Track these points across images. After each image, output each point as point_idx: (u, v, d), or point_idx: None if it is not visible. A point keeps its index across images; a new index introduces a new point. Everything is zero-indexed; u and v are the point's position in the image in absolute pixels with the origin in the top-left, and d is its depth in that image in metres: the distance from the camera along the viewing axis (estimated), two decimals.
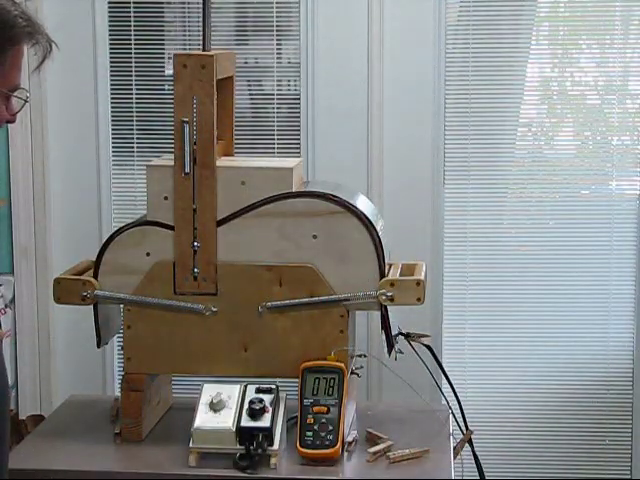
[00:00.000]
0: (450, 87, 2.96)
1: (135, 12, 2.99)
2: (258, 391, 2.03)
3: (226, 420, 1.98)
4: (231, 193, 2.08)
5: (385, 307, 2.07)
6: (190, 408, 2.05)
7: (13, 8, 1.54)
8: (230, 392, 2.03)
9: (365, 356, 2.21)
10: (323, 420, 1.99)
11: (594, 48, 3.03)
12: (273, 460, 1.97)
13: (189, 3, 3.01)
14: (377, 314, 2.11)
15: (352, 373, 2.13)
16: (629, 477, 3.09)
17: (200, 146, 2.05)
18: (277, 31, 2.98)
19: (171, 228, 2.09)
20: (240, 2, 3.02)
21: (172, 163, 2.08)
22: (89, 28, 2.96)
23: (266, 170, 2.10)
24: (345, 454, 2.03)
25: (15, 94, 1.60)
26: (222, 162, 2.11)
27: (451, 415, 2.25)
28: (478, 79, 2.96)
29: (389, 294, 2.04)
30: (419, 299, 2.05)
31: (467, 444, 2.22)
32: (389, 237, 2.15)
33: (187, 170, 2.05)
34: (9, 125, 1.64)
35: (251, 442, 1.96)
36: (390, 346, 2.10)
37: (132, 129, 3.00)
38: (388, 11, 2.89)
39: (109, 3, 2.99)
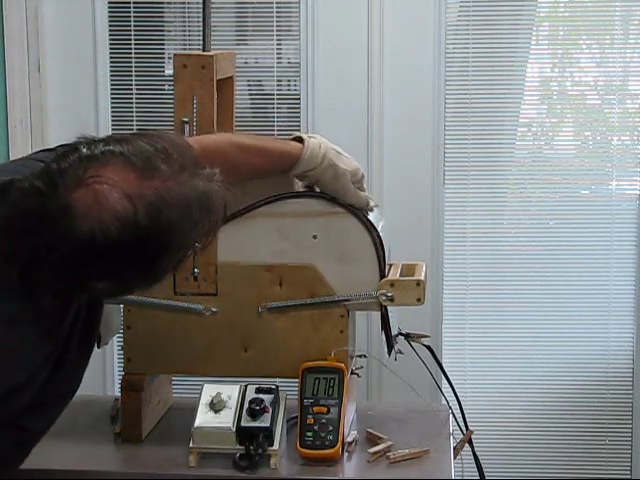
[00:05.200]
0: (450, 87, 2.96)
1: (135, 12, 2.99)
2: (258, 391, 2.03)
3: (226, 420, 1.98)
4: None
5: (385, 307, 2.07)
6: (190, 408, 2.04)
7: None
8: (230, 392, 2.03)
9: (365, 356, 2.21)
10: (323, 420, 1.99)
11: (594, 48, 3.03)
12: (273, 460, 1.97)
13: (189, 3, 3.01)
14: (377, 314, 2.11)
15: (352, 373, 2.13)
16: (629, 477, 3.09)
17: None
18: (277, 31, 2.98)
19: None
20: (240, 2, 3.02)
21: None
22: (89, 28, 2.97)
23: None
24: (345, 454, 2.03)
25: None
26: None
27: (451, 415, 2.25)
28: (478, 79, 2.96)
29: (389, 294, 2.04)
30: (419, 299, 2.05)
31: (467, 444, 2.21)
32: (389, 237, 2.15)
33: None
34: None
35: (251, 442, 1.96)
36: (390, 346, 2.10)
37: (132, 129, 3.00)
38: (388, 11, 2.89)
39: (109, 3, 2.99)
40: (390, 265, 2.13)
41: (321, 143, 1.93)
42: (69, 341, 1.52)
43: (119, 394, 2.15)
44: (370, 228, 2.06)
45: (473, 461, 2.27)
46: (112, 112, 3.00)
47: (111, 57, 3.00)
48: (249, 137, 1.93)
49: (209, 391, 2.03)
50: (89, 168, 1.38)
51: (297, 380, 2.04)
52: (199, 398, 2.03)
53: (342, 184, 1.96)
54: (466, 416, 2.27)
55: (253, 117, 3.03)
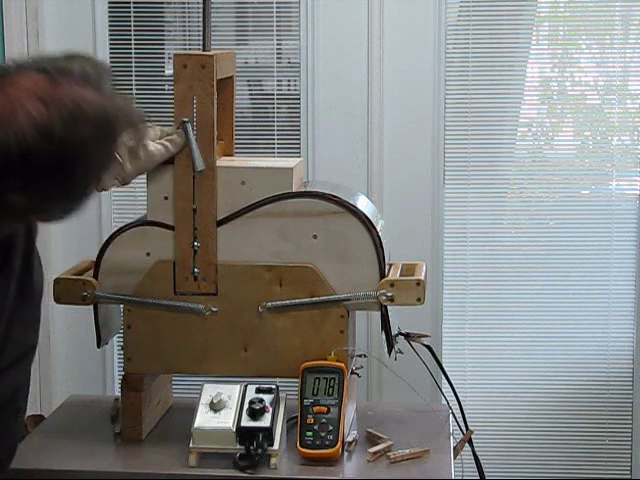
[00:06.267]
0: (450, 87, 2.96)
1: (135, 12, 2.99)
2: (258, 391, 2.03)
3: (226, 420, 1.98)
4: (231, 193, 2.07)
5: (385, 307, 2.07)
6: (190, 408, 2.04)
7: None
8: (230, 392, 2.03)
9: (365, 356, 2.21)
10: (323, 420, 1.99)
11: (594, 48, 3.03)
12: (273, 460, 1.97)
13: (189, 3, 3.01)
14: (377, 314, 2.11)
15: (352, 373, 2.13)
16: (629, 477, 3.09)
17: (200, 146, 2.05)
18: (277, 31, 2.98)
19: (171, 228, 2.09)
20: (240, 2, 3.02)
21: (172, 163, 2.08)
22: (89, 28, 2.96)
23: (266, 170, 2.10)
24: (345, 454, 2.03)
25: None
26: (222, 162, 2.11)
27: (451, 415, 2.25)
28: (478, 79, 2.96)
29: (389, 294, 2.04)
30: (419, 299, 2.05)
31: (467, 444, 2.22)
32: (389, 237, 2.15)
33: None
34: None
35: (251, 442, 1.96)
36: (390, 346, 2.10)
37: None
38: (388, 11, 2.89)
39: (109, 3, 2.99)
40: (390, 265, 2.13)
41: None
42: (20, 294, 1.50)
43: (119, 394, 2.15)
44: (370, 228, 2.06)
45: (473, 461, 2.27)
46: None
47: (111, 57, 3.00)
48: None
49: (209, 391, 2.03)
50: (2, 77, 1.36)
51: (297, 380, 2.04)
52: (199, 398, 2.03)
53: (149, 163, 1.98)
54: (466, 416, 2.27)
55: (253, 117, 3.03)
